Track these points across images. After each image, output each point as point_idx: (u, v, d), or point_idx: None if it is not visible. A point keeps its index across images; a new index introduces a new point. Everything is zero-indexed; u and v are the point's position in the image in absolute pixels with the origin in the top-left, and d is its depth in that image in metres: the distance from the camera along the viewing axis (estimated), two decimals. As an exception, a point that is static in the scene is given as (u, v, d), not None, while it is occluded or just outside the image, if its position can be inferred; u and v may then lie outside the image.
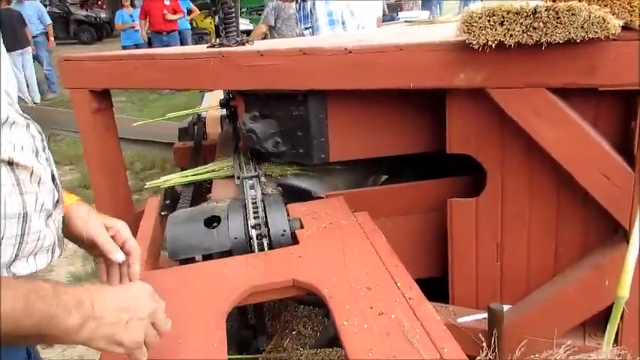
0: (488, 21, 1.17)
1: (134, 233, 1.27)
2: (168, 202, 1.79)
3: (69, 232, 0.85)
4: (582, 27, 1.11)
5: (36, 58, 7.74)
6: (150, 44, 8.16)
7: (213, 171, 1.76)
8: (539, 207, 1.40)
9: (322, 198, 1.60)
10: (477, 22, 1.18)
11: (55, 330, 0.63)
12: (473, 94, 1.34)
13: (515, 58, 1.22)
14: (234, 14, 1.82)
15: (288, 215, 1.41)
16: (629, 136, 1.25)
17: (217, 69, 1.57)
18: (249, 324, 1.68)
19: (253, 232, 1.33)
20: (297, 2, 4.05)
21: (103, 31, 15.22)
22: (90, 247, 0.87)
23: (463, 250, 1.50)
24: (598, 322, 1.38)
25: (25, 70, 7.32)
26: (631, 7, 1.14)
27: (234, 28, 1.82)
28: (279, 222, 1.36)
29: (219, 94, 3.22)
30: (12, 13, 6.95)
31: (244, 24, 9.86)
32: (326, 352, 1.62)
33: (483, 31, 1.18)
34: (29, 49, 7.38)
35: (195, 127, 2.99)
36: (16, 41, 6.91)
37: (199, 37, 10.09)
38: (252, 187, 1.54)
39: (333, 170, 1.72)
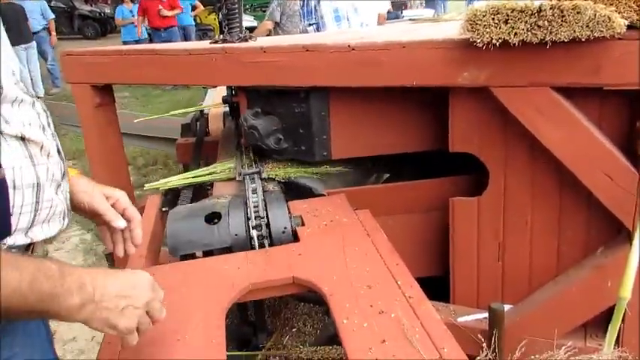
0: (493, 19, 1.16)
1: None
2: (169, 197, 1.79)
3: (73, 204, 0.90)
4: (587, 26, 1.10)
5: (40, 53, 7.74)
6: (151, 40, 8.15)
7: (214, 173, 1.73)
8: (541, 207, 1.39)
9: (323, 195, 1.60)
10: (481, 20, 1.17)
11: (57, 308, 0.67)
12: (476, 92, 1.33)
13: (519, 57, 1.21)
14: (237, 10, 1.82)
15: (289, 212, 1.40)
16: (634, 136, 1.24)
17: (220, 65, 1.57)
18: (249, 321, 1.68)
19: (254, 230, 1.33)
20: None
21: (107, 26, 15.23)
22: (92, 216, 0.94)
23: (464, 250, 1.49)
24: (599, 323, 1.37)
25: (29, 65, 7.32)
26: (637, 6, 1.13)
27: (238, 24, 1.81)
28: (280, 219, 1.35)
29: (222, 91, 3.21)
30: (14, 8, 6.94)
31: (249, 20, 9.85)
32: (325, 349, 1.62)
33: (487, 30, 1.17)
34: (33, 43, 7.38)
35: (198, 123, 2.99)
36: (19, 36, 6.91)
37: (203, 33, 10.09)
38: (253, 183, 1.54)
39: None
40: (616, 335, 1.16)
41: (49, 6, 8.52)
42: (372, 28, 3.52)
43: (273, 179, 1.62)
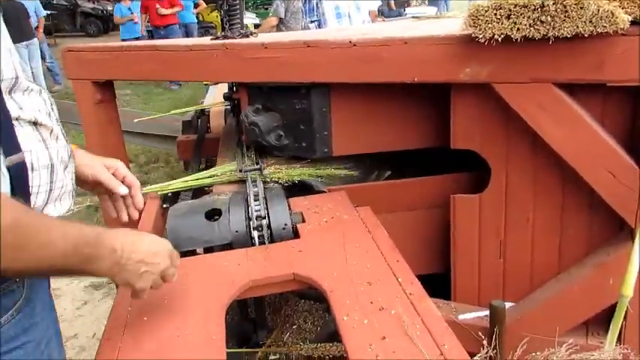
0: (495, 14, 1.15)
1: (135, 226, 1.28)
2: (169, 194, 1.78)
3: (76, 177, 0.96)
4: (590, 21, 1.09)
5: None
6: (151, 39, 8.12)
7: (214, 176, 1.68)
8: (543, 204, 1.38)
9: (324, 192, 1.59)
10: (483, 15, 1.17)
11: (90, 268, 0.78)
12: (478, 88, 1.32)
13: (521, 53, 1.21)
14: (238, 6, 1.81)
15: (289, 209, 1.40)
16: (637, 132, 1.23)
17: (220, 61, 1.56)
18: (249, 318, 1.68)
19: (254, 227, 1.32)
20: None
21: (109, 23, 15.18)
22: (95, 186, 1.02)
23: (466, 247, 1.48)
24: (601, 321, 1.36)
25: (31, 62, 7.30)
26: (640, 1, 1.12)
27: (238, 21, 1.81)
28: (280, 216, 1.35)
29: (223, 88, 3.21)
30: (15, 5, 6.93)
31: (251, 18, 9.83)
32: (326, 346, 1.61)
33: (490, 25, 1.16)
34: (35, 40, 7.37)
35: (199, 120, 2.98)
36: (20, 33, 6.90)
37: (205, 30, 10.06)
38: (253, 180, 1.54)
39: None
40: (618, 333, 1.15)
41: (52, 3, 8.49)
42: (373, 25, 3.51)
43: (277, 181, 1.60)
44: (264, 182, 1.54)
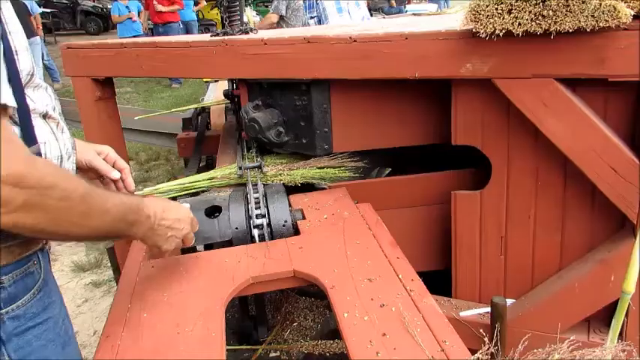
0: (496, 9, 1.14)
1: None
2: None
3: None
4: (593, 15, 1.08)
5: None
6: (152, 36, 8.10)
7: (213, 178, 1.64)
8: (544, 200, 1.38)
9: (325, 189, 1.59)
10: (484, 10, 1.16)
11: (129, 232, 0.89)
12: (479, 84, 1.32)
13: (523, 48, 1.20)
14: (238, 3, 1.80)
15: (289, 206, 1.39)
16: (639, 128, 1.22)
17: (220, 57, 1.55)
18: (249, 315, 1.67)
19: (254, 223, 1.32)
20: None
21: (109, 21, 15.17)
22: (87, 171, 1.09)
23: (467, 243, 1.48)
24: (603, 318, 1.36)
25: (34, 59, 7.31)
26: (643, -5, 1.11)
27: (238, 17, 1.80)
28: (280, 212, 1.34)
29: (223, 86, 3.20)
30: (17, 3, 6.94)
31: (252, 15, 9.81)
32: (326, 344, 1.61)
33: (491, 20, 1.15)
34: (37, 38, 7.37)
35: (200, 117, 2.98)
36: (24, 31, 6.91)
37: (206, 28, 10.04)
38: (254, 177, 1.53)
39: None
40: (619, 330, 1.15)
41: (52, 2, 8.47)
42: (374, 21, 3.51)
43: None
44: (265, 185, 1.52)
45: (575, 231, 1.38)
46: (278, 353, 1.75)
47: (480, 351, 0.90)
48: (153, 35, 8.11)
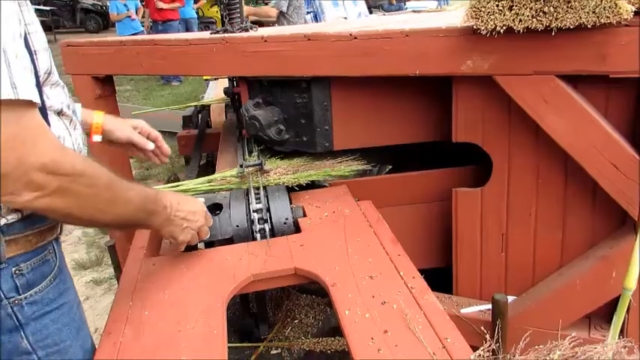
0: (497, 5, 1.14)
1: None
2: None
3: (112, 140, 1.23)
4: (594, 12, 1.07)
5: None
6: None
7: (212, 181, 1.58)
8: (545, 197, 1.38)
9: (326, 186, 1.59)
10: (485, 6, 1.15)
11: (148, 222, 0.96)
12: (480, 81, 1.31)
13: (524, 44, 1.19)
14: (238, 0, 1.80)
15: (290, 203, 1.39)
16: (640, 124, 1.22)
17: (220, 55, 1.55)
18: (250, 312, 1.68)
19: (255, 220, 1.32)
20: None
21: (109, 19, 15.19)
22: (128, 146, 1.26)
23: (468, 241, 1.48)
24: (604, 315, 1.36)
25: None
26: (644, -9, 1.10)
27: (238, 15, 1.79)
28: (281, 210, 1.34)
29: (223, 84, 3.20)
30: None
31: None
32: (327, 341, 1.61)
33: (492, 16, 1.15)
34: None
35: (200, 115, 2.98)
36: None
37: (205, 25, 10.03)
38: (255, 182, 1.52)
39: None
40: (620, 326, 1.15)
41: (52, 0, 8.45)
42: (374, 18, 3.50)
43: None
44: (263, 167, 1.51)
45: (576, 228, 1.37)
46: (279, 351, 1.75)
47: (482, 348, 0.90)
48: (152, 33, 8.10)
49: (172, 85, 8.22)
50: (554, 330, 1.33)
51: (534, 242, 1.43)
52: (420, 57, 1.31)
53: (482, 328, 1.38)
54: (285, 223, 1.33)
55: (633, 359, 1.16)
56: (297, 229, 1.33)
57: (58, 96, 0.89)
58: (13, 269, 0.81)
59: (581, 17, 1.08)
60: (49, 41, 0.88)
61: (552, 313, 1.35)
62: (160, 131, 1.34)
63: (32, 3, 0.83)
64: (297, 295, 1.95)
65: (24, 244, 0.83)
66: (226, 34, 1.63)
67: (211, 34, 1.73)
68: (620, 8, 1.06)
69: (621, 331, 1.22)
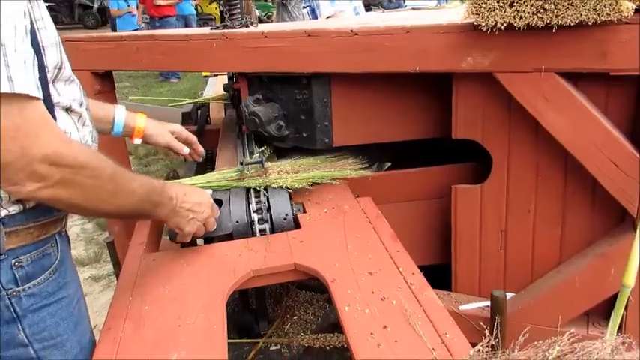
0: (498, 2, 1.14)
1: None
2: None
3: (152, 143, 1.33)
4: (594, 9, 1.08)
5: None
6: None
7: (211, 182, 1.49)
8: (545, 194, 1.38)
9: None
10: (485, 3, 1.15)
11: (154, 213, 0.99)
12: (480, 78, 1.32)
13: (524, 41, 1.19)
14: (238, -4, 1.79)
15: (290, 199, 1.39)
16: (640, 122, 1.22)
17: (220, 51, 1.55)
18: (250, 308, 1.68)
19: (255, 216, 1.32)
20: None
21: (107, 16, 15.14)
22: (167, 150, 1.35)
23: (467, 237, 1.48)
24: (602, 312, 1.36)
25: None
26: (645, -11, 1.11)
27: (239, 10, 1.79)
28: (281, 206, 1.34)
29: (223, 80, 3.19)
30: None
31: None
32: (327, 337, 1.62)
33: (492, 13, 1.15)
34: None
35: (199, 111, 2.97)
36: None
37: (204, 22, 10.02)
38: (256, 182, 1.51)
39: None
40: (619, 323, 1.15)
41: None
42: (375, 15, 3.50)
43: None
44: (263, 163, 1.49)
45: (575, 225, 1.38)
46: (278, 346, 1.76)
47: (481, 343, 0.91)
48: (150, 29, 8.07)
49: (171, 82, 8.21)
50: (553, 326, 1.33)
51: (533, 239, 1.43)
52: (421, 53, 1.31)
53: (481, 324, 1.38)
54: (284, 219, 1.33)
55: (632, 356, 1.16)
56: (296, 225, 1.33)
57: (71, 92, 0.91)
58: (13, 261, 0.82)
59: (581, 14, 1.08)
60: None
61: (551, 310, 1.35)
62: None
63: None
64: (296, 292, 1.95)
65: (25, 237, 0.84)
66: (226, 30, 1.62)
67: (211, 29, 1.72)
68: (620, 6, 1.06)
69: (619, 328, 1.23)
